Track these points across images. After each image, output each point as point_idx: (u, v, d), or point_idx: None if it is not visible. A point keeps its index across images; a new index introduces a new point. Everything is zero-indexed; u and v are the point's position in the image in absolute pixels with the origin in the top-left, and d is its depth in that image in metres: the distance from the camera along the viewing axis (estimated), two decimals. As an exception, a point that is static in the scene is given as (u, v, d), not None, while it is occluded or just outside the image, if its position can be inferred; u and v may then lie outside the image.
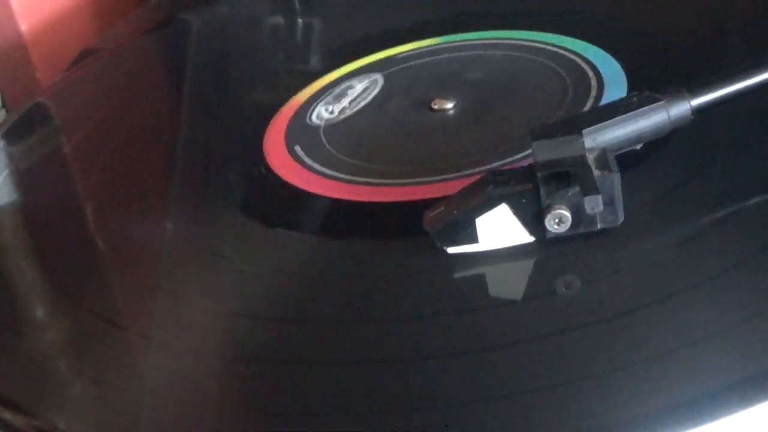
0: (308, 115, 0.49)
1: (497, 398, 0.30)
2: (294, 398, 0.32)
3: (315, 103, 0.50)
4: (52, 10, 0.72)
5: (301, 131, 0.48)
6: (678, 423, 0.27)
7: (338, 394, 0.31)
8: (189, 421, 0.32)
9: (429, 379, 0.31)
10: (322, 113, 0.48)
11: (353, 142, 0.46)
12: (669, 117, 0.35)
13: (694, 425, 0.27)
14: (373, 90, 0.49)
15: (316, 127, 0.48)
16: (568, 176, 0.34)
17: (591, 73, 0.46)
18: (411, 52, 0.54)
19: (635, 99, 0.36)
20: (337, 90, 0.51)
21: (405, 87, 0.50)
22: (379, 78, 0.51)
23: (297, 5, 0.66)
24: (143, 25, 0.68)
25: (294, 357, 0.34)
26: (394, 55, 0.54)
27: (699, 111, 0.36)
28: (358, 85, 0.50)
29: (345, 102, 0.49)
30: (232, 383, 0.33)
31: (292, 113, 0.50)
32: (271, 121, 0.50)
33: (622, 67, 0.46)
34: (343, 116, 0.48)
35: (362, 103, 0.49)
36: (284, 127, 0.49)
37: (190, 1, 0.70)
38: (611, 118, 0.35)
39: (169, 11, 0.70)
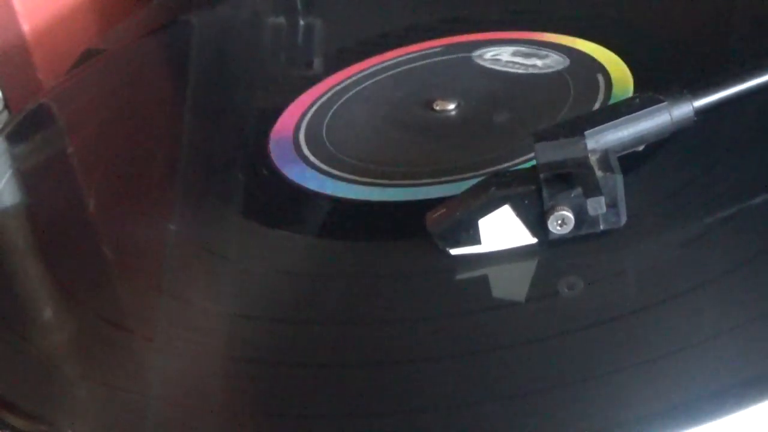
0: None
1: (499, 399, 0.30)
2: (298, 400, 0.32)
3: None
4: (54, 11, 0.72)
5: (306, 132, 0.48)
6: (679, 423, 0.27)
7: (340, 396, 0.31)
8: (193, 422, 0.32)
9: (431, 381, 0.31)
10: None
11: (356, 142, 0.46)
12: (671, 118, 0.36)
13: (695, 425, 0.27)
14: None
15: (320, 128, 0.48)
16: (570, 178, 0.34)
17: (598, 74, 0.46)
18: (413, 55, 0.54)
19: (638, 100, 0.36)
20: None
21: (403, 90, 0.50)
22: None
23: (299, 5, 0.66)
24: (145, 26, 0.68)
25: (298, 358, 0.34)
26: (398, 57, 0.54)
27: (702, 112, 0.36)
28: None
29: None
30: (235, 385, 0.33)
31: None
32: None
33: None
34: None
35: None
36: (291, 127, 0.49)
37: (192, 2, 0.70)
38: (614, 119, 0.35)
39: (171, 12, 0.70)
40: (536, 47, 0.51)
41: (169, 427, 0.32)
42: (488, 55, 0.51)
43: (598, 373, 0.30)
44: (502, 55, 0.50)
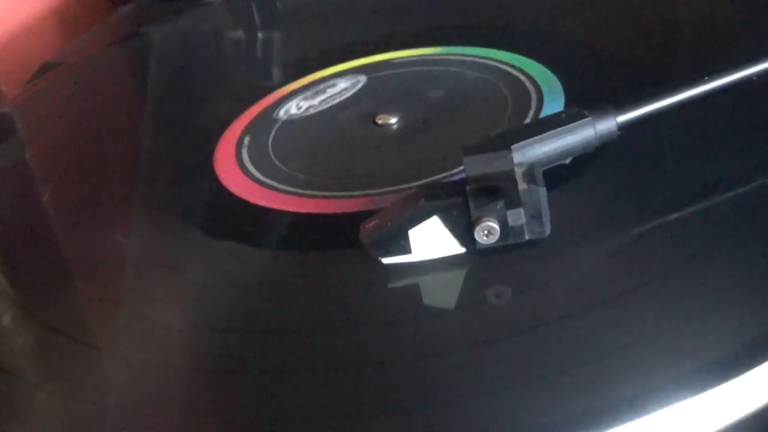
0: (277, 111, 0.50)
1: (429, 405, 0.31)
2: (246, 407, 0.32)
3: (282, 104, 0.51)
4: (17, 23, 0.72)
5: (251, 143, 0.49)
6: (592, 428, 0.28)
7: (282, 402, 0.32)
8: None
9: (363, 386, 0.32)
10: (292, 109, 0.49)
11: (299, 156, 0.47)
12: (596, 133, 0.36)
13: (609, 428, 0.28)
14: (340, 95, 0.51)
15: (265, 140, 0.49)
16: (495, 190, 0.35)
17: (531, 88, 0.47)
18: (354, 70, 0.55)
19: (564, 115, 0.37)
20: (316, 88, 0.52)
21: (351, 102, 0.51)
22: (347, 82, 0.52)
23: (257, 20, 0.67)
24: (105, 39, 0.69)
25: (243, 367, 0.34)
26: (344, 70, 0.55)
27: (625, 127, 0.37)
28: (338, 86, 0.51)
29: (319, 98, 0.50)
30: (187, 394, 0.34)
31: (242, 127, 0.51)
32: (222, 135, 0.51)
33: (560, 81, 0.47)
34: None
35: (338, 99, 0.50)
36: (234, 140, 0.50)
37: (153, 16, 0.70)
38: (540, 134, 0.36)
39: (131, 25, 0.70)
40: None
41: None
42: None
43: (520, 379, 0.31)
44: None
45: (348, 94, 0.52)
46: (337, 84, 0.53)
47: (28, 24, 0.74)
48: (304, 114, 0.50)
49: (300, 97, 0.53)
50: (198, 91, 0.59)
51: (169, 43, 0.68)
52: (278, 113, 0.51)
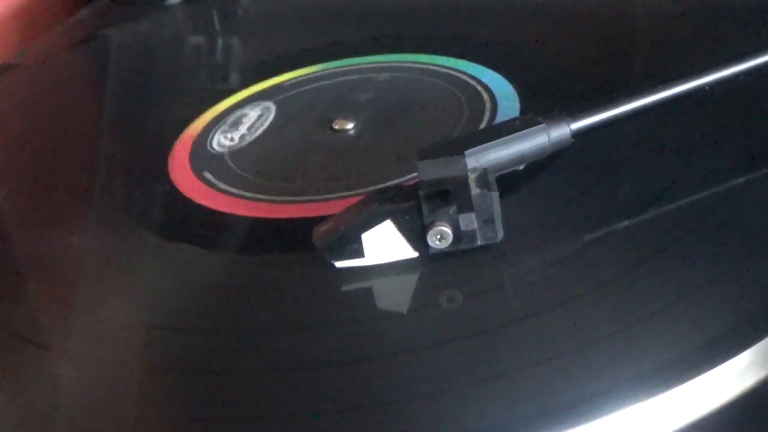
0: (209, 142, 0.50)
1: (382, 404, 0.31)
2: (201, 406, 0.32)
3: (212, 132, 0.51)
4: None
5: (208, 149, 0.49)
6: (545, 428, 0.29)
7: (237, 401, 0.32)
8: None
9: (318, 386, 0.32)
10: (223, 141, 0.49)
11: (255, 160, 0.47)
12: (549, 139, 0.37)
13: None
14: (268, 116, 0.50)
15: (222, 146, 0.49)
16: (448, 195, 0.35)
17: (485, 95, 0.48)
18: (302, 78, 0.55)
19: (518, 122, 0.37)
20: (231, 119, 0.52)
21: (304, 110, 0.51)
22: (271, 105, 0.52)
23: (216, 24, 0.67)
24: (63, 41, 0.68)
25: (198, 367, 0.34)
26: (283, 82, 0.55)
27: (579, 134, 0.37)
28: (251, 113, 0.51)
29: (243, 129, 0.50)
30: (142, 394, 0.34)
31: (198, 130, 0.51)
32: (178, 138, 0.51)
33: (515, 88, 0.48)
34: (243, 143, 0.49)
35: (261, 129, 0.50)
36: (190, 143, 0.50)
37: (112, 19, 0.70)
38: (494, 139, 0.36)
39: (91, 28, 0.70)
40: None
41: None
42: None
43: (471, 381, 0.31)
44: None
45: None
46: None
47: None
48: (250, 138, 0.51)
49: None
50: (155, 94, 0.59)
51: (127, 46, 0.68)
52: (211, 145, 0.50)
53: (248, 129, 0.49)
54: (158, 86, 0.61)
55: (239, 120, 0.51)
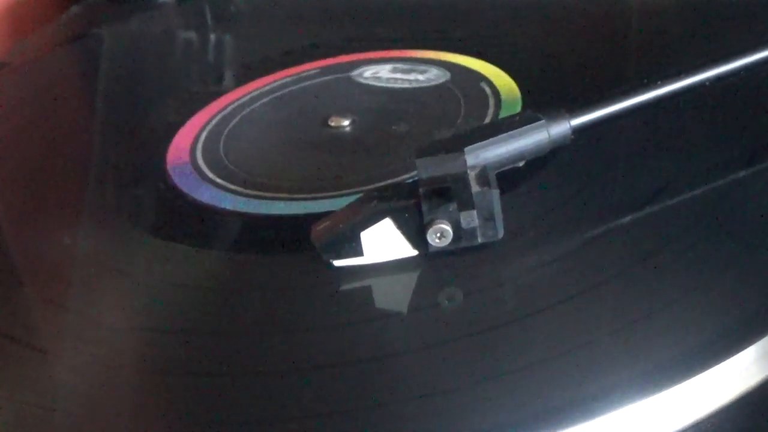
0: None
1: (381, 405, 0.31)
2: (197, 410, 0.32)
3: (206, 129, 0.51)
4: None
5: (203, 147, 0.49)
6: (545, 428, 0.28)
7: (235, 403, 0.32)
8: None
9: (317, 388, 0.32)
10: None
11: (252, 158, 0.47)
12: (549, 136, 0.36)
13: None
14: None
15: (217, 143, 0.49)
16: (448, 192, 0.35)
17: (488, 91, 0.48)
18: (297, 76, 0.55)
19: (517, 118, 0.37)
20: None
21: (300, 107, 0.51)
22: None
23: (209, 21, 0.67)
24: (54, 40, 0.68)
25: (195, 369, 0.34)
26: (278, 80, 0.55)
27: (579, 131, 0.37)
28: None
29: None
30: (137, 397, 0.34)
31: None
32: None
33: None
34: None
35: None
36: (189, 142, 0.49)
37: (103, 17, 0.70)
38: (493, 136, 0.36)
39: (82, 26, 0.70)
40: (414, 63, 0.52)
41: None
42: (368, 74, 0.52)
43: (472, 381, 0.31)
44: (382, 72, 0.51)
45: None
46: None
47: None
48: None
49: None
50: (149, 92, 0.59)
51: (119, 43, 0.67)
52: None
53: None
54: (151, 84, 0.60)
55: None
